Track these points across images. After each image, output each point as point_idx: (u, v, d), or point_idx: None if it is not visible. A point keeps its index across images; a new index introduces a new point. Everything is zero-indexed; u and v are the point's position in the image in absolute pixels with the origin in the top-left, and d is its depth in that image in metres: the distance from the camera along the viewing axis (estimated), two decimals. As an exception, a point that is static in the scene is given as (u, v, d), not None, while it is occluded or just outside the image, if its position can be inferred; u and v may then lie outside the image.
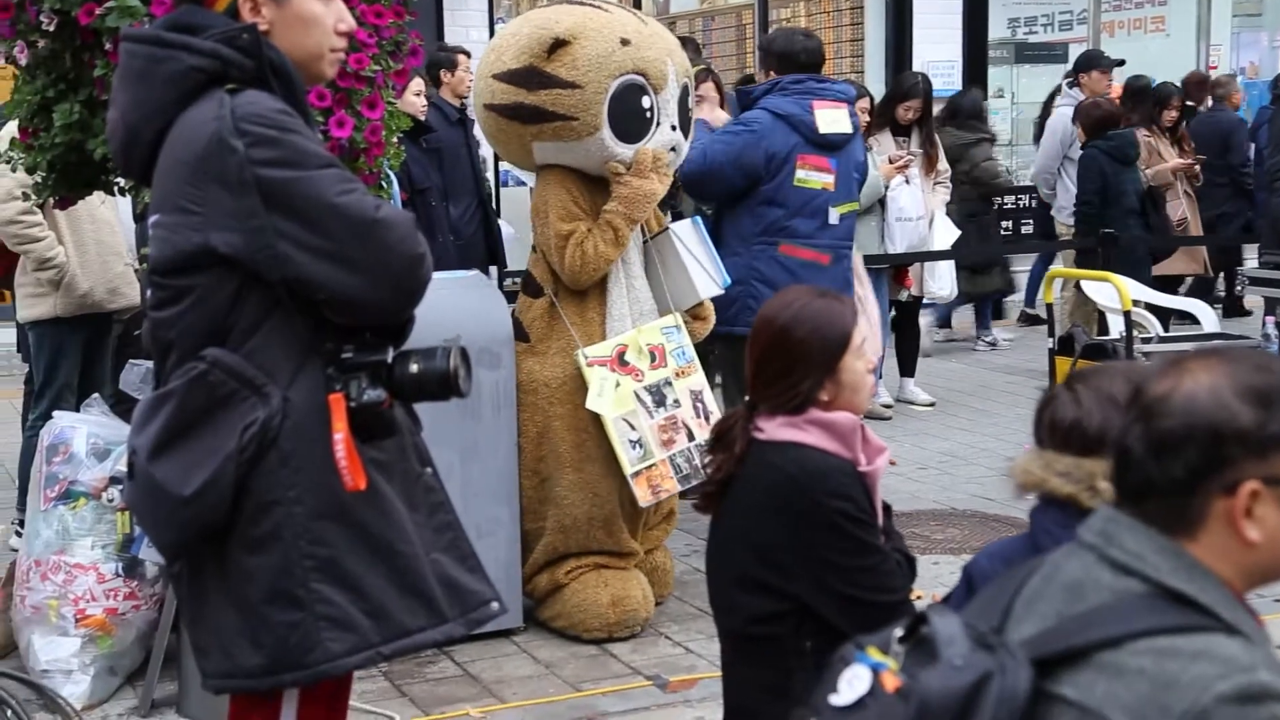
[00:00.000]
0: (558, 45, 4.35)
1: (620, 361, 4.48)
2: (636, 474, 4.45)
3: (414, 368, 2.47)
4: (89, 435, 4.17)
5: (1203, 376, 1.54)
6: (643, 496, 4.47)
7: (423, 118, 6.58)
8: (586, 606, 4.47)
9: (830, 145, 5.47)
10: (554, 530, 4.54)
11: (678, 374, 4.58)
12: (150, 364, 2.75)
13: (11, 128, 4.16)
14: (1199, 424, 1.52)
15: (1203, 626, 1.49)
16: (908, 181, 7.52)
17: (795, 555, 2.63)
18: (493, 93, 4.49)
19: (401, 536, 2.48)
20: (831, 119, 5.47)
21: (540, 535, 4.57)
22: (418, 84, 6.59)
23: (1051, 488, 2.18)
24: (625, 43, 4.40)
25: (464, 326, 4.11)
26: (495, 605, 2.60)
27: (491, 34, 9.59)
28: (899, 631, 1.57)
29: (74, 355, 5.44)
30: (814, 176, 5.44)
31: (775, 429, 2.68)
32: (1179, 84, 9.46)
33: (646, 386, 4.51)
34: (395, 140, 3.92)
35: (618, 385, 4.45)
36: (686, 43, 6.93)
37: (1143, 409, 1.56)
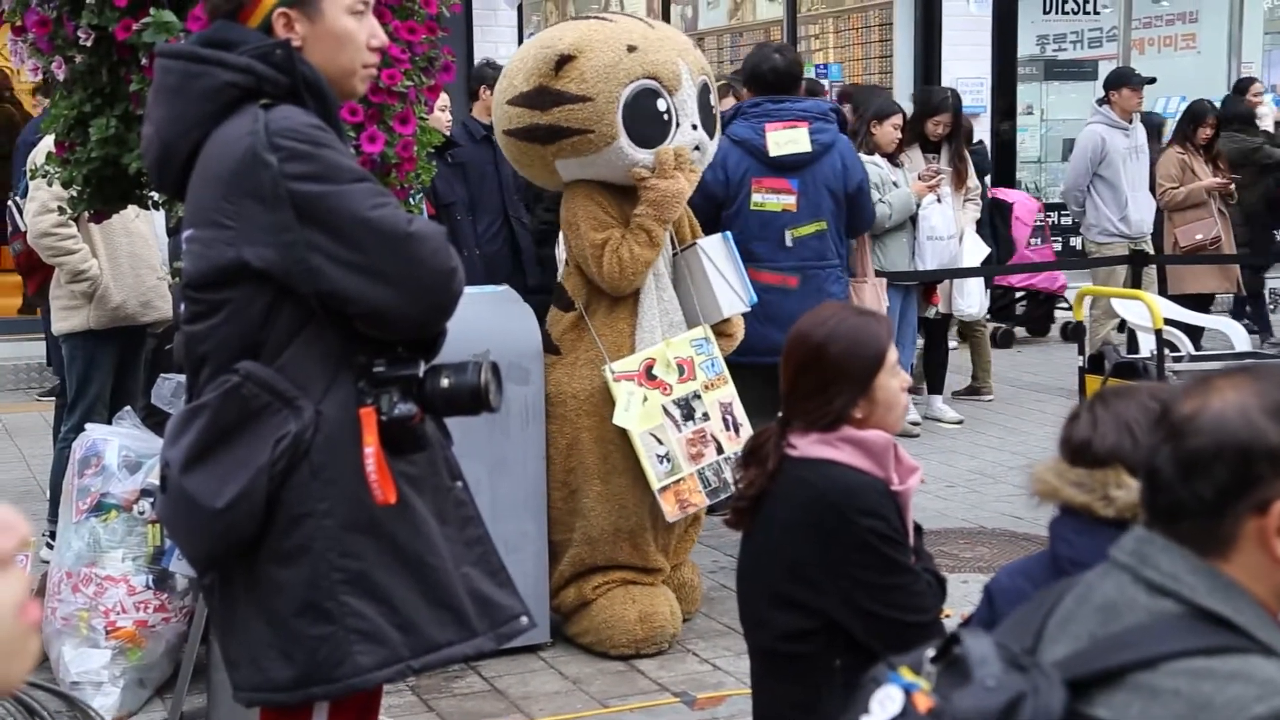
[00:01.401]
0: (564, 61, 4.37)
1: (648, 375, 4.47)
2: (664, 489, 4.44)
3: (445, 382, 2.48)
4: (121, 448, 4.20)
5: (1231, 395, 1.53)
6: (670, 511, 4.46)
7: (448, 132, 6.61)
8: (614, 623, 4.47)
9: (789, 166, 5.46)
10: (581, 542, 4.55)
11: (707, 386, 4.57)
12: (182, 378, 2.77)
13: (48, 142, 4.20)
14: (1228, 443, 1.50)
15: (1239, 648, 1.47)
16: (939, 200, 7.49)
17: (826, 572, 2.62)
18: (509, 118, 4.52)
19: (432, 550, 2.48)
20: (785, 139, 5.46)
21: (568, 547, 4.57)
22: (444, 99, 6.62)
23: (1066, 497, 2.20)
24: (632, 49, 4.40)
25: (493, 341, 4.12)
26: (524, 620, 2.60)
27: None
28: (931, 652, 1.56)
29: (106, 368, 5.47)
30: (772, 199, 5.46)
31: (808, 446, 2.68)
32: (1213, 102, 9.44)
33: (675, 400, 4.50)
34: (426, 156, 3.93)
35: (645, 400, 4.45)
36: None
37: (1171, 429, 1.55)
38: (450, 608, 2.48)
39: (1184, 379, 5.37)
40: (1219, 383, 1.55)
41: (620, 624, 4.46)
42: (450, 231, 6.16)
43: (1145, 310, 5.98)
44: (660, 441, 4.45)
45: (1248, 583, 1.51)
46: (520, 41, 10.04)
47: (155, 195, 3.89)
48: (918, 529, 2.80)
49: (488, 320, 4.31)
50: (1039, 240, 10.14)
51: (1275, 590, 1.52)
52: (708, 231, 5.33)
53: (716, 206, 5.47)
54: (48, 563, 4.24)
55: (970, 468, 6.93)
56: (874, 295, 6.61)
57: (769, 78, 5.60)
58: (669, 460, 4.46)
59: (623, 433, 4.44)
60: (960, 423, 7.86)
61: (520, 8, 10.42)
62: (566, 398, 4.51)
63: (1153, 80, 9.02)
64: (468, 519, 2.59)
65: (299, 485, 2.40)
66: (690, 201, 5.27)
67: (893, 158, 7.48)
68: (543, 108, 4.41)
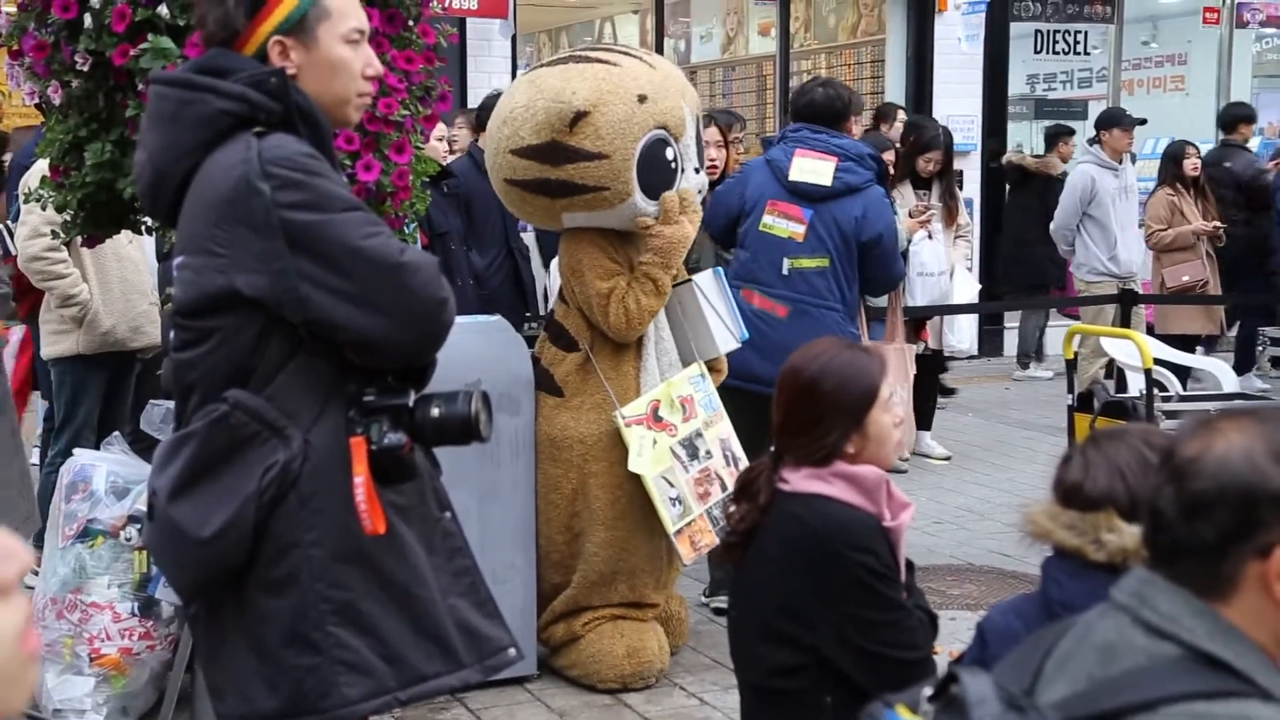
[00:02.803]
0: (579, 118, 4.25)
1: (655, 418, 4.43)
2: (679, 531, 4.40)
3: (435, 412, 2.47)
4: (109, 473, 4.18)
5: (1235, 438, 1.52)
6: (687, 554, 4.43)
7: (445, 162, 6.61)
8: (601, 657, 4.44)
9: (805, 195, 5.30)
10: (580, 585, 4.51)
11: (707, 424, 4.54)
12: (171, 404, 2.76)
13: (42, 166, 4.19)
14: (1231, 486, 1.50)
15: (1238, 692, 1.46)
16: (930, 236, 7.51)
17: (818, 608, 2.61)
18: (514, 169, 4.40)
19: (419, 581, 2.47)
20: (806, 168, 5.29)
21: (565, 589, 4.54)
22: (441, 129, 6.63)
23: (1058, 540, 2.20)
24: (642, 99, 4.33)
25: (484, 371, 4.08)
26: (512, 652, 2.59)
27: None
28: (929, 690, 1.55)
29: (95, 393, 5.45)
30: (781, 224, 5.32)
31: (800, 480, 2.67)
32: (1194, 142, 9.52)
33: (680, 441, 4.46)
34: (421, 185, 3.94)
35: (655, 443, 4.40)
36: (731, 116, 6.98)
37: (1174, 470, 1.55)
38: (437, 639, 2.47)
39: (1174, 420, 5.37)
40: (1223, 425, 1.55)
41: (608, 659, 4.43)
42: (444, 261, 6.20)
43: (1134, 349, 5.99)
44: (671, 484, 4.41)
45: (1248, 627, 1.50)
46: (514, 72, 10.07)
47: (148, 220, 3.88)
48: (909, 565, 2.80)
49: (479, 350, 4.30)
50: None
51: (1276, 635, 1.52)
52: (724, 247, 5.31)
53: (732, 222, 5.41)
54: (32, 588, 4.21)
55: (958, 504, 6.93)
56: (899, 362, 6.03)
57: (806, 111, 5.50)
58: (680, 503, 4.42)
59: (632, 477, 4.38)
60: (949, 459, 7.86)
61: (514, 39, 10.45)
62: (574, 442, 4.45)
63: (1143, 121, 9.07)
64: (456, 549, 2.58)
65: (287, 515, 2.38)
66: (712, 212, 5.26)
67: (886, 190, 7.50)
68: (555, 163, 4.30)
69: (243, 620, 2.43)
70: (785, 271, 5.36)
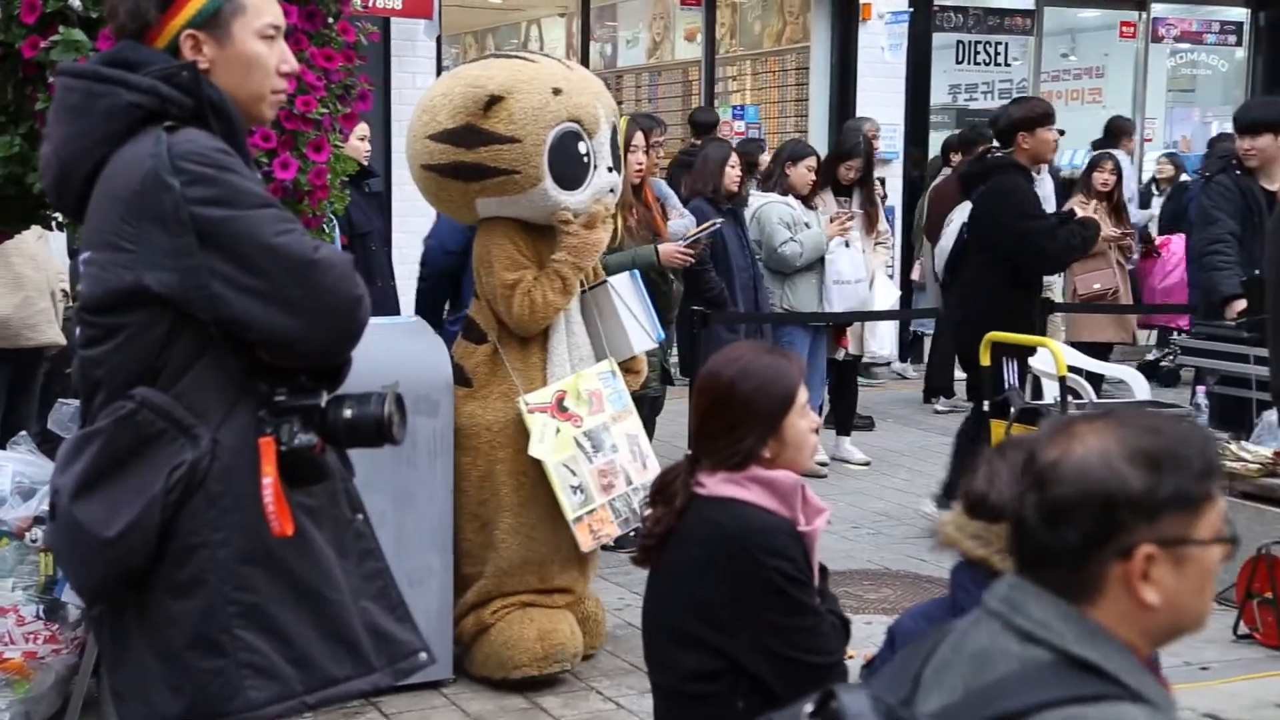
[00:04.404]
0: (493, 102, 4.38)
1: (560, 408, 4.50)
2: (578, 519, 4.46)
3: (348, 413, 2.43)
4: (14, 473, 4.09)
5: (1092, 441, 1.53)
6: (585, 541, 4.49)
7: (366, 162, 6.56)
8: (513, 643, 4.44)
9: None
10: (490, 575, 4.54)
11: (615, 419, 4.62)
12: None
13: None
14: (1091, 491, 1.51)
15: (1109, 695, 1.48)
16: (847, 244, 7.57)
17: (732, 613, 2.61)
18: (430, 153, 4.50)
19: (329, 583, 2.43)
20: None
21: (477, 579, 4.56)
22: (363, 129, 6.58)
23: (965, 549, 2.22)
24: (557, 92, 4.45)
25: (403, 372, 4.03)
26: (424, 656, 2.56)
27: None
28: (810, 706, 1.56)
29: (-2, 392, 5.35)
30: None
31: (716, 485, 2.67)
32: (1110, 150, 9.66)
33: (586, 432, 4.54)
34: (340, 184, 3.90)
35: (558, 431, 4.47)
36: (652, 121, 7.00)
37: (1035, 477, 1.56)
38: (347, 642, 2.44)
39: (1043, 424, 5.44)
40: (1080, 428, 1.56)
41: (519, 644, 4.43)
42: (365, 262, 6.15)
43: (1050, 357, 6.06)
44: (573, 473, 4.48)
45: (1115, 626, 1.52)
46: (438, 73, 10.01)
47: (58, 216, 3.81)
48: (823, 570, 2.81)
49: (397, 351, 4.27)
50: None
51: (1142, 632, 1.54)
52: None
53: None
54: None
55: (876, 509, 6.97)
56: None
57: None
58: (582, 491, 4.49)
59: (537, 465, 4.45)
60: (868, 464, 7.91)
61: (439, 39, 10.39)
62: (480, 430, 4.51)
63: (1061, 133, 9.19)
64: (368, 552, 2.55)
65: (193, 515, 2.34)
66: None
67: (807, 200, 7.57)
68: (469, 145, 4.41)
69: (147, 622, 2.39)
70: None
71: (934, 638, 1.64)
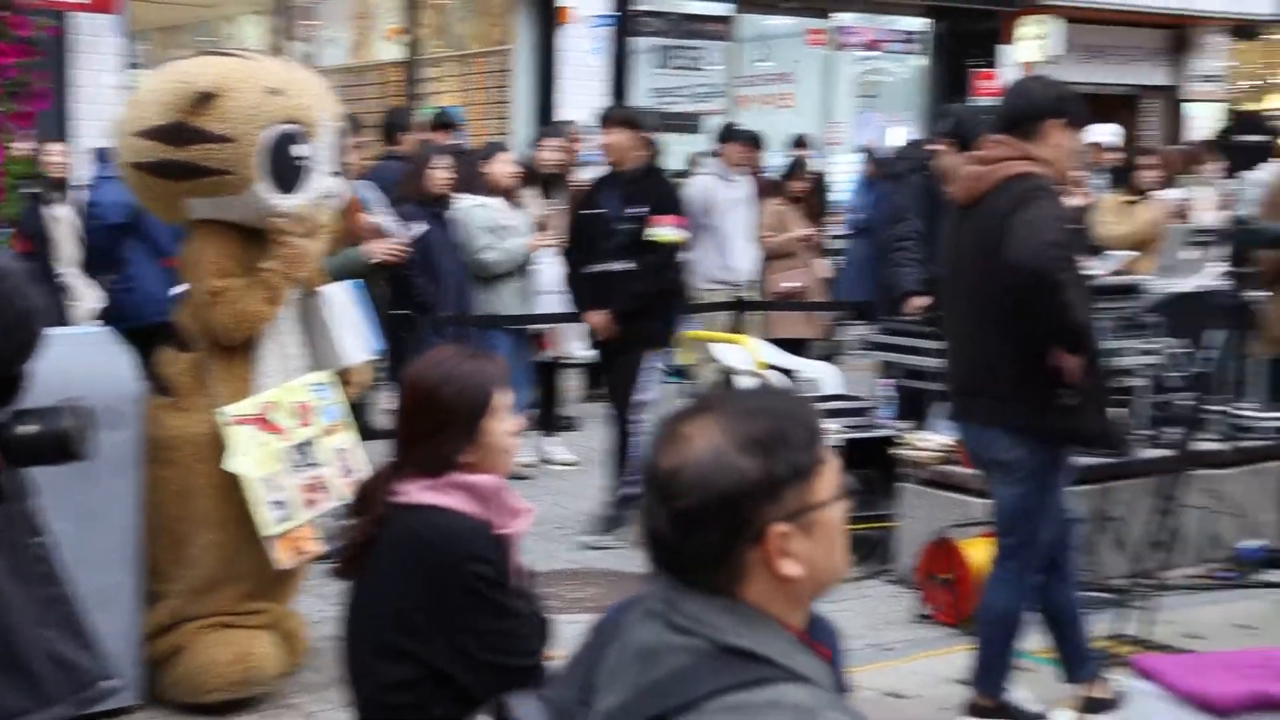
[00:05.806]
0: (205, 98, 4.21)
1: (265, 420, 4.34)
2: (279, 535, 4.31)
3: (29, 429, 2.33)
4: None
5: (701, 442, 1.58)
6: (284, 559, 4.34)
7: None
8: (207, 666, 4.26)
9: None
10: (184, 593, 4.35)
11: (325, 432, 4.49)
12: None
13: None
14: (713, 495, 1.56)
15: (770, 678, 1.54)
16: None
17: (432, 620, 2.61)
18: (138, 151, 4.31)
19: (5, 610, 2.32)
20: None
21: (167, 597, 4.37)
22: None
23: None
24: (274, 92, 4.31)
25: (88, 384, 3.88)
26: (109, 683, 2.47)
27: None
28: (485, 718, 1.58)
29: None
30: None
31: (416, 492, 2.66)
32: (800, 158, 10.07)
33: (293, 445, 4.39)
34: (15, 189, 3.72)
35: (262, 445, 4.32)
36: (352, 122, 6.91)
37: (658, 489, 1.59)
38: (26, 672, 2.33)
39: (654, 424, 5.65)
40: (686, 429, 1.60)
41: (213, 667, 4.26)
42: (45, 271, 5.86)
43: (745, 353, 6.27)
44: (277, 488, 4.33)
45: (766, 604, 1.59)
46: (127, 71, 9.63)
47: None
48: (527, 571, 2.83)
49: (82, 362, 4.07)
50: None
51: (790, 603, 1.61)
52: None
53: None
54: None
55: (582, 509, 7.04)
56: None
57: None
58: (285, 506, 4.34)
59: (240, 480, 4.28)
60: (576, 464, 7.99)
61: (127, 36, 9.97)
62: (181, 442, 4.32)
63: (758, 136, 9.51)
64: (47, 576, 2.44)
65: None
66: None
67: (510, 196, 7.60)
68: (179, 143, 4.23)
69: None
70: None
71: (605, 638, 1.68)
